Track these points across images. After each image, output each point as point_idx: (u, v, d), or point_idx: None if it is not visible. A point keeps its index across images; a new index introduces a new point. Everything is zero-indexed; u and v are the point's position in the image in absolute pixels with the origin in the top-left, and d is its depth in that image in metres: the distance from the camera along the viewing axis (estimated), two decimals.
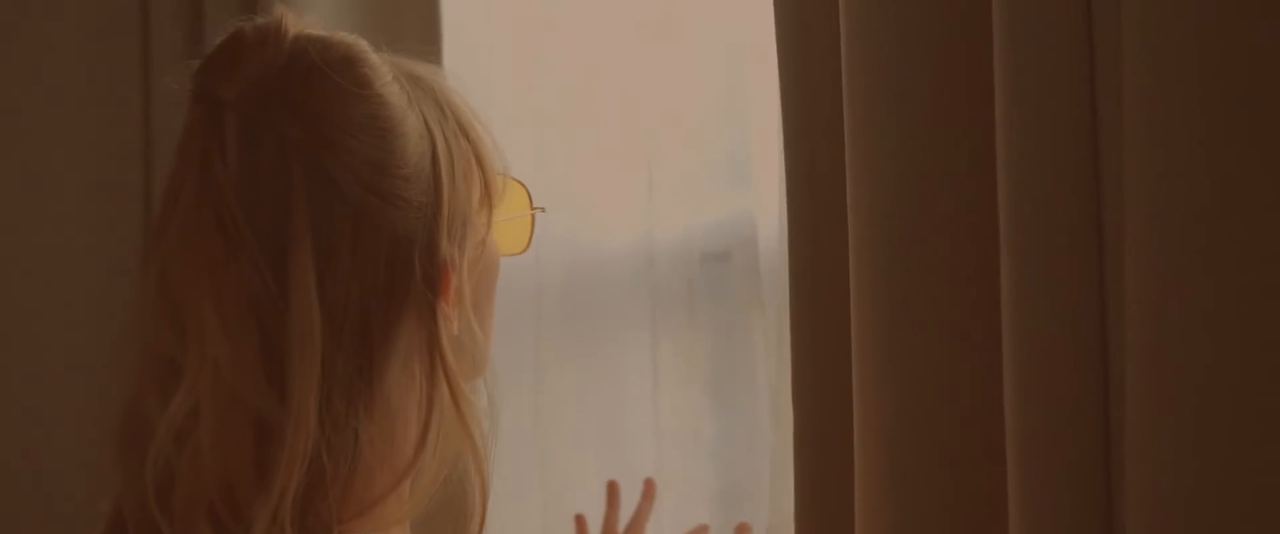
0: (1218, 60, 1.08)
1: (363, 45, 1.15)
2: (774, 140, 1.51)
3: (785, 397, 1.44)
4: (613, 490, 1.59)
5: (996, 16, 1.20)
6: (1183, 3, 1.09)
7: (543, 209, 1.25)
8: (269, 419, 1.08)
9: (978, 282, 1.26)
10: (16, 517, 2.14)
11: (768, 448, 1.66)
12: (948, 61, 1.27)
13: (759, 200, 1.71)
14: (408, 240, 1.12)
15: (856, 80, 1.31)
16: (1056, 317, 1.18)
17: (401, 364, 1.14)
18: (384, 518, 1.16)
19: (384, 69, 1.15)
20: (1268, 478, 1.06)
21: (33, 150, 2.16)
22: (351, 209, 1.11)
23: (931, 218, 1.28)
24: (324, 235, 1.10)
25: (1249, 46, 1.07)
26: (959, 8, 1.27)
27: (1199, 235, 1.09)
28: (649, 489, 1.58)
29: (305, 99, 1.11)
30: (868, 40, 1.30)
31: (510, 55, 1.90)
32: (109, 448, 1.15)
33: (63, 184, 2.16)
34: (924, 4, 1.28)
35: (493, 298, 1.22)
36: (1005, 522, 1.22)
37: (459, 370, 1.14)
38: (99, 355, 2.03)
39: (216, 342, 1.08)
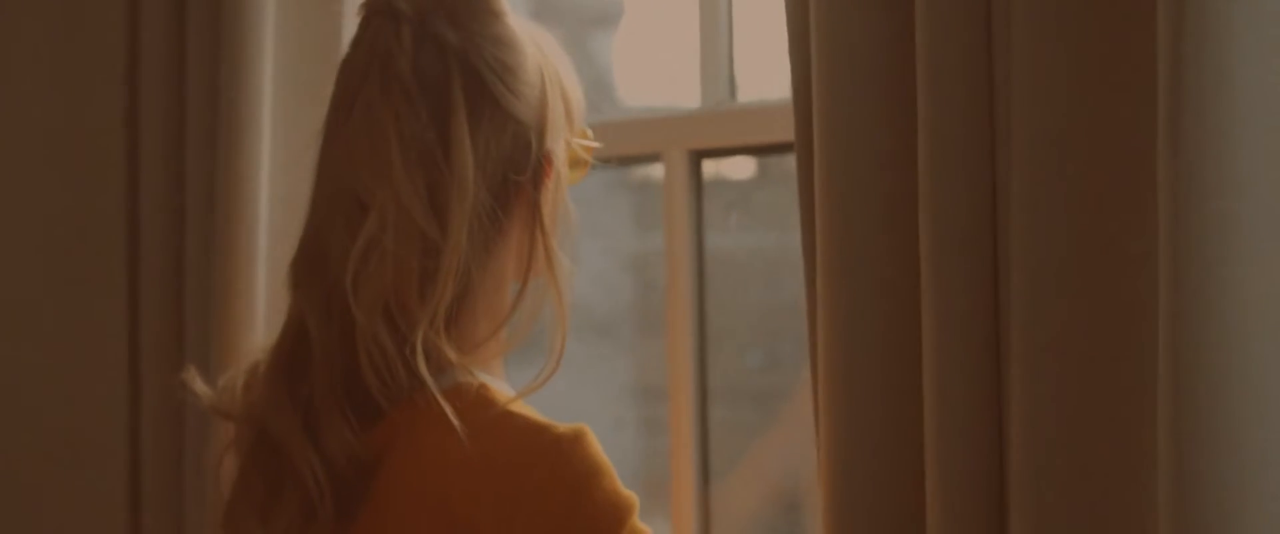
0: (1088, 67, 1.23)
1: None
2: None
3: None
4: None
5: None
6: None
7: (601, 145, 1.64)
8: (431, 241, 1.45)
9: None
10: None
11: None
12: None
13: None
14: (526, 126, 1.51)
15: None
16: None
17: (514, 220, 1.51)
18: (485, 355, 1.52)
19: (512, 11, 1.54)
20: (1124, 458, 1.21)
21: (14, 147, 2.20)
22: (491, 95, 1.49)
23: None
24: (473, 110, 1.48)
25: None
26: None
27: (1067, 237, 1.23)
28: None
29: (461, 16, 1.50)
30: None
31: None
32: (291, 272, 1.50)
33: (45, 181, 2.18)
34: None
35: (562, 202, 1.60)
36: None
37: (552, 232, 1.52)
38: (83, 354, 2.16)
39: (400, 179, 1.45)
